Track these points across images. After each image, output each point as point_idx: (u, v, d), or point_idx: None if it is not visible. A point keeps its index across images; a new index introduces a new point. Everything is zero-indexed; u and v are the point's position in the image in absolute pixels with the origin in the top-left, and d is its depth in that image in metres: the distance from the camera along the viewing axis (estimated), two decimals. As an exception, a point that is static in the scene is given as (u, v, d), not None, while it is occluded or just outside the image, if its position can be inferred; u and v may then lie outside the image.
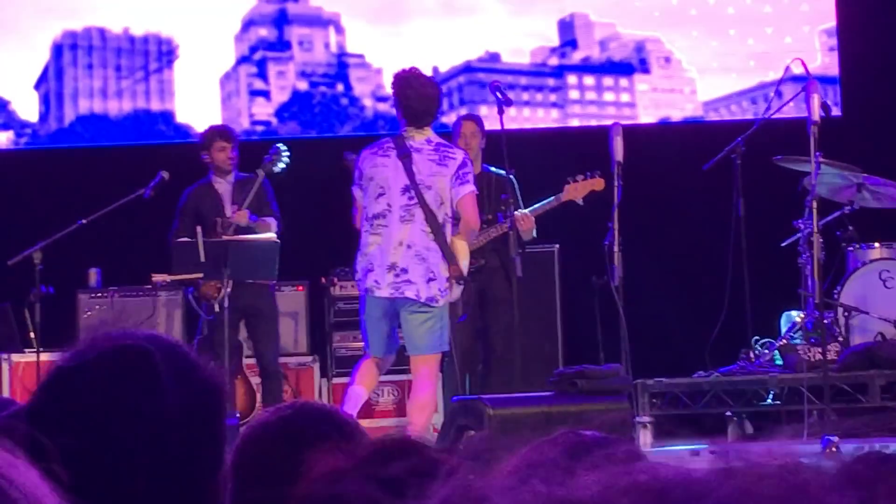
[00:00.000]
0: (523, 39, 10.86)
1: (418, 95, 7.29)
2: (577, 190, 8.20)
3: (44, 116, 10.79)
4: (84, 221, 8.88)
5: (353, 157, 7.61)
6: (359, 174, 7.51)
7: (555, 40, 10.93)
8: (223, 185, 9.04)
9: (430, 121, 7.39)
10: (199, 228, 8.57)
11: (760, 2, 10.87)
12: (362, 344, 9.81)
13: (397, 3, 10.90)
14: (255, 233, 8.80)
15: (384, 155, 7.42)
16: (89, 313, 9.72)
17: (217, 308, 8.65)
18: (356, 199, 7.52)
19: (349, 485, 1.76)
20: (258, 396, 9.21)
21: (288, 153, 8.92)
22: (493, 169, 8.52)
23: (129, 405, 1.89)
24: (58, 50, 10.78)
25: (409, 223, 7.25)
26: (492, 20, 10.86)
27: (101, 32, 10.82)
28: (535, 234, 8.36)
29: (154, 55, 10.83)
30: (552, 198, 8.37)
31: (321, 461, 1.90)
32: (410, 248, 7.23)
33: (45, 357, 8.90)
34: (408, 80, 7.42)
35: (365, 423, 9.62)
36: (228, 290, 8.57)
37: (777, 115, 8.93)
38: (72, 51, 10.81)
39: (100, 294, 9.77)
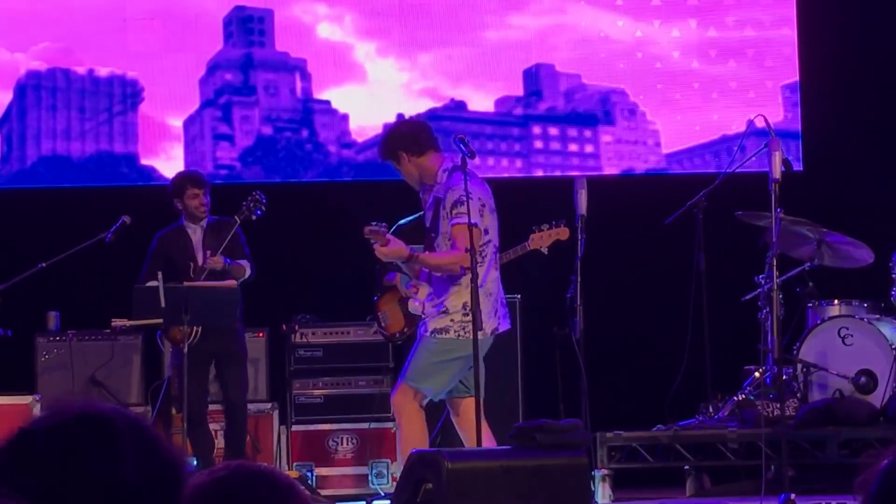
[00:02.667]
0: (489, 88, 10.90)
1: None
2: (542, 239, 8.21)
3: (5, 156, 10.74)
4: (44, 264, 8.84)
5: (380, 228, 7.59)
6: (483, 205, 7.41)
7: (520, 90, 10.97)
8: (196, 231, 9.02)
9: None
10: (160, 274, 8.55)
11: (724, 56, 10.94)
12: (324, 391, 9.82)
13: (363, 50, 10.92)
14: (230, 276, 8.81)
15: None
16: (47, 356, 9.66)
17: (179, 359, 8.64)
18: (472, 232, 7.21)
19: None
20: (216, 441, 9.16)
21: (264, 202, 8.93)
22: None
23: (87, 472, 1.90)
24: (21, 90, 10.74)
25: None
26: (457, 68, 10.90)
27: (66, 73, 10.79)
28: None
29: (118, 97, 10.81)
30: (517, 246, 8.38)
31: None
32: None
33: (1, 400, 8.83)
34: None
35: (324, 471, 9.60)
36: (197, 337, 8.57)
37: (739, 170, 8.97)
38: (35, 91, 10.78)
39: (58, 337, 9.71)
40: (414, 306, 7.74)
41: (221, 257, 8.83)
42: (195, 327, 8.62)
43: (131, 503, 1.91)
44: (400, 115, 10.91)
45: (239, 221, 8.91)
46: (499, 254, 7.65)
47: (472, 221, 7.24)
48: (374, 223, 7.54)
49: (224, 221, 9.04)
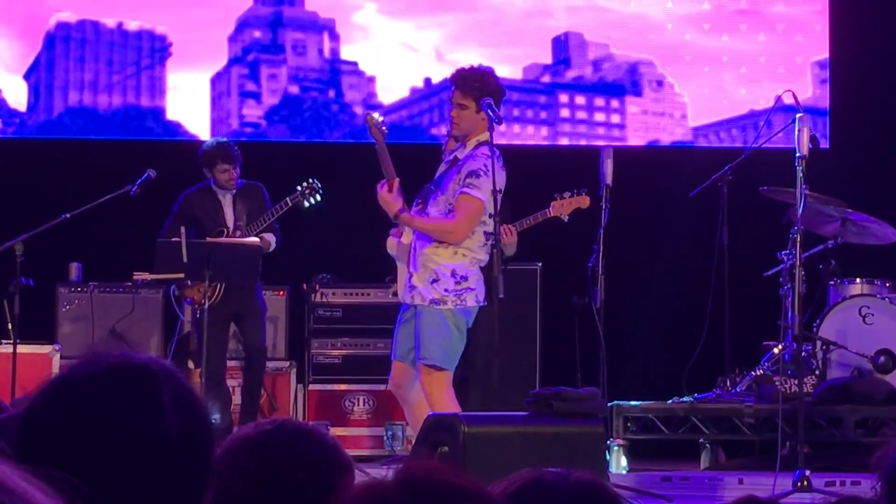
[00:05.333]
0: (517, 55, 10.86)
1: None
2: (563, 207, 8.20)
3: (32, 106, 10.76)
4: (68, 216, 8.86)
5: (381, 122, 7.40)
6: (489, 184, 7.11)
7: (548, 58, 10.94)
8: (226, 196, 9.06)
9: None
10: (182, 229, 8.58)
11: (754, 31, 10.89)
12: (342, 352, 9.84)
13: (392, 11, 10.90)
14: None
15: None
16: (68, 307, 9.69)
17: (199, 314, 8.66)
18: (476, 208, 7.17)
19: None
20: (233, 397, 9.21)
21: (320, 190, 8.93)
22: None
23: (130, 422, 1.89)
24: (50, 41, 10.75)
25: None
26: (486, 34, 10.87)
27: (95, 25, 10.80)
28: (515, 249, 8.32)
29: (147, 51, 10.81)
30: (538, 213, 8.37)
31: (349, 489, 1.90)
32: None
33: (21, 349, 8.87)
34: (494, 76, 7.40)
35: (339, 430, 9.63)
36: (218, 297, 8.61)
37: (766, 145, 8.94)
38: (64, 42, 10.79)
39: (79, 289, 9.75)
40: (391, 244, 7.55)
41: (272, 236, 8.89)
42: (217, 286, 8.65)
43: (172, 455, 1.90)
44: (427, 80, 10.90)
45: (290, 205, 8.93)
46: (487, 243, 7.44)
47: (479, 196, 7.13)
48: (381, 118, 7.39)
49: (252, 187, 9.07)
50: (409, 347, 7.34)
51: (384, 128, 7.32)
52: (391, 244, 7.58)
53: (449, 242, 7.24)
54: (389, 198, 7.28)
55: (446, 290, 7.21)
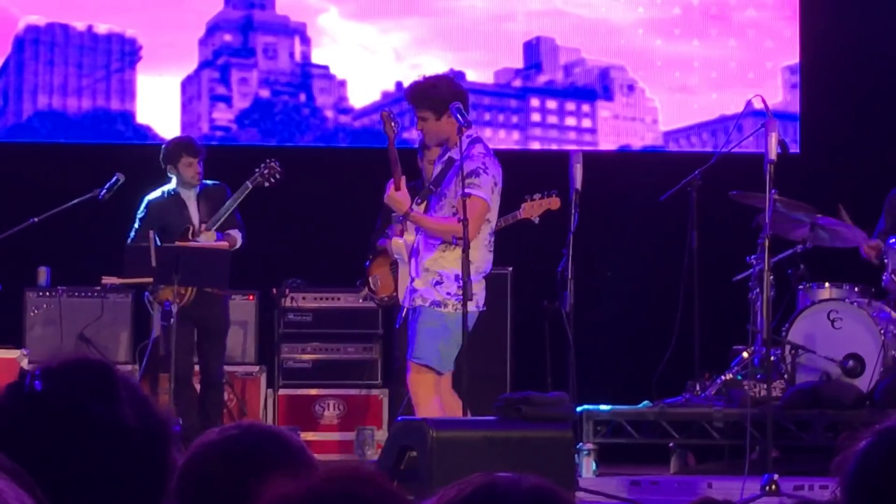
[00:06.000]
0: (489, 59, 10.86)
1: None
2: (533, 208, 8.21)
3: (1, 110, 10.72)
4: (36, 219, 8.82)
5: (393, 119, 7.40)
6: (495, 184, 7.26)
7: (520, 62, 10.95)
8: (190, 197, 8.98)
9: None
10: (151, 233, 8.54)
11: (725, 36, 10.92)
12: (312, 356, 9.82)
13: (356, 15, 10.89)
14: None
15: None
16: (36, 311, 9.66)
17: (176, 310, 8.63)
18: (480, 207, 7.20)
19: None
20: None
21: (279, 170, 8.87)
22: None
23: (88, 413, 1.91)
24: (19, 44, 10.71)
25: None
26: (457, 38, 10.87)
27: (65, 29, 10.76)
28: None
29: (116, 55, 10.78)
30: (508, 215, 8.37)
31: (271, 489, 1.91)
32: None
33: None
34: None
35: (309, 435, 9.61)
36: (190, 299, 8.57)
37: (736, 150, 8.96)
38: (33, 46, 10.75)
39: (48, 293, 9.71)
40: (398, 244, 7.55)
41: (214, 232, 8.79)
42: (190, 289, 8.61)
43: (129, 445, 1.91)
44: (398, 84, 10.89)
45: (250, 188, 8.86)
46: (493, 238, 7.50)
47: (481, 195, 7.17)
48: (392, 115, 7.41)
49: (217, 187, 9.01)
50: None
51: (394, 124, 7.34)
52: (398, 244, 7.58)
53: (448, 240, 7.24)
54: (399, 196, 7.26)
55: (448, 294, 7.23)
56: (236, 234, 8.94)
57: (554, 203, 8.09)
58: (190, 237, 8.82)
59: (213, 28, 10.85)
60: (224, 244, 8.82)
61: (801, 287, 9.18)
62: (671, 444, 8.88)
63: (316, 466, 2.42)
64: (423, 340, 7.22)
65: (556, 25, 10.93)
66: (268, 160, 8.96)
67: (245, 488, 2.28)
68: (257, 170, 8.90)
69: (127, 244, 8.68)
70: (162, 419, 2.00)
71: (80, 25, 10.76)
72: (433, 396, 7.21)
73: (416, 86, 7.46)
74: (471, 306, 7.17)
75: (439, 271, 7.27)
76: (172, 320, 8.47)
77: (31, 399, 1.92)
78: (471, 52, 10.85)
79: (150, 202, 8.98)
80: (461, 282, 7.11)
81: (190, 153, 8.91)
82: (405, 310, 7.44)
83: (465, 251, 7.04)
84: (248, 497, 2.27)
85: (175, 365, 8.52)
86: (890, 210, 9.10)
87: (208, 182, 9.02)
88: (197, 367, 9.00)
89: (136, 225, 8.92)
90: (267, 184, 8.88)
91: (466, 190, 7.11)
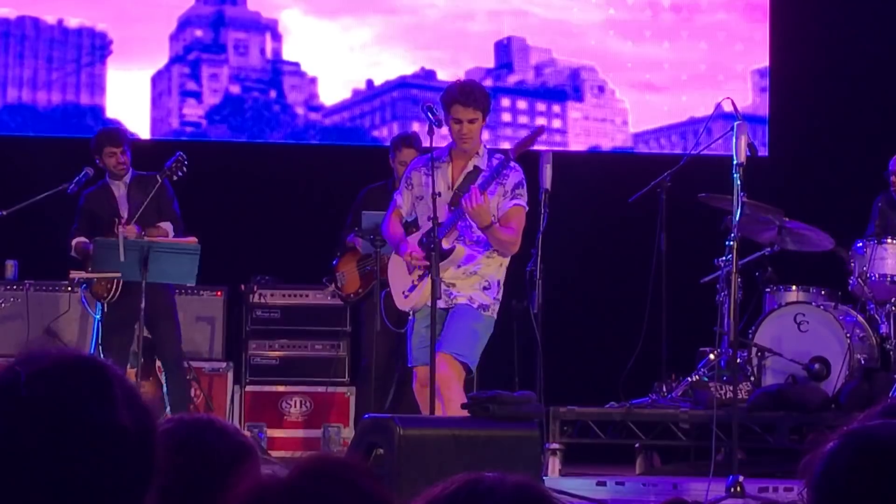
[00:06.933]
0: (460, 58, 10.87)
1: None
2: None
3: (-30, 103, 10.67)
4: (4, 213, 8.78)
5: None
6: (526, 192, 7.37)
7: (491, 62, 10.96)
8: (119, 187, 8.88)
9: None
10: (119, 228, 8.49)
11: (695, 39, 10.96)
12: (280, 353, 9.81)
13: (336, 13, 10.89)
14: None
15: None
16: (3, 305, 9.61)
17: (105, 308, 8.54)
18: (524, 218, 7.35)
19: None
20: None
21: (185, 163, 8.75)
22: None
23: (85, 417, 1.88)
24: (-11, 36, 10.67)
25: None
26: (428, 37, 10.88)
27: (35, 22, 10.72)
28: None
29: (87, 49, 10.75)
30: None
31: (245, 480, 1.92)
32: None
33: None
34: None
35: (276, 432, 9.61)
36: (117, 292, 8.46)
37: (705, 152, 8.99)
38: (3, 38, 10.71)
39: (15, 286, 9.67)
40: (461, 251, 7.35)
41: (135, 227, 8.65)
42: (115, 282, 8.48)
43: (126, 447, 1.90)
44: (369, 82, 10.90)
45: (160, 181, 8.72)
46: None
47: (527, 207, 7.31)
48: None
49: (148, 177, 8.83)
50: (426, 346, 7.25)
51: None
52: (416, 258, 7.33)
53: (510, 253, 7.39)
54: (487, 207, 7.19)
55: (494, 299, 7.38)
56: (167, 226, 8.78)
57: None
58: (115, 231, 8.64)
59: (184, 23, 10.83)
60: (192, 239, 8.77)
61: (768, 290, 9.23)
62: (637, 445, 8.91)
63: (252, 448, 2.47)
64: (467, 339, 7.29)
65: (527, 26, 10.95)
66: (179, 153, 8.81)
67: (183, 476, 2.30)
68: (168, 162, 8.75)
69: (96, 238, 8.59)
70: (152, 416, 1.99)
71: (50, 19, 10.72)
72: (462, 391, 7.24)
73: (475, 86, 7.47)
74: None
75: (487, 277, 7.35)
76: (101, 316, 8.46)
77: (28, 404, 1.88)
78: (442, 51, 10.85)
79: (85, 193, 8.89)
80: (500, 288, 7.38)
81: (112, 142, 8.80)
82: (413, 312, 7.41)
83: (434, 249, 7.07)
84: (185, 483, 2.30)
85: (111, 358, 8.41)
86: (875, 215, 9.19)
87: (143, 173, 8.88)
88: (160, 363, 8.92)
89: (77, 217, 8.86)
90: (175, 177, 8.72)
91: (516, 201, 7.27)
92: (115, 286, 8.49)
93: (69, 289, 9.58)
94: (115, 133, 8.98)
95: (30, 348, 1.98)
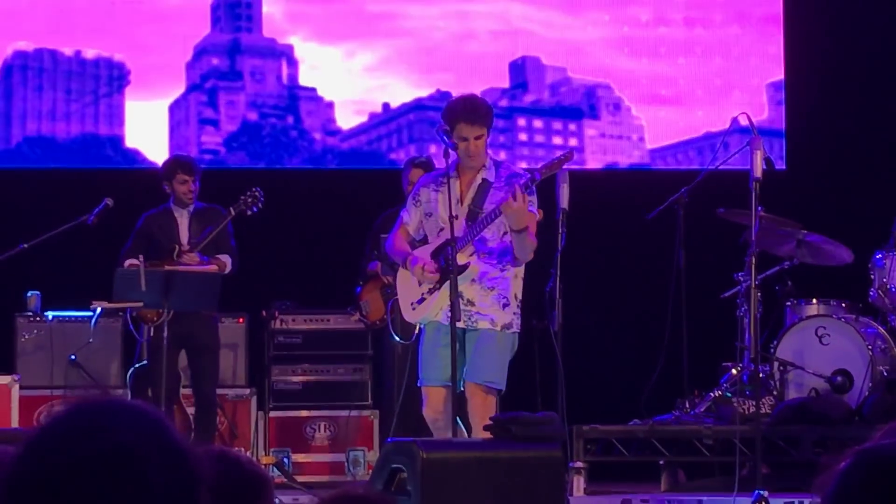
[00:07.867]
0: (475, 79, 10.90)
1: None
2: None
3: (-10, 136, 10.74)
4: (25, 245, 8.84)
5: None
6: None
7: (506, 82, 10.99)
8: (182, 215, 9.02)
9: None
10: (141, 257, 8.56)
11: (710, 54, 10.98)
12: (303, 378, 9.83)
13: (352, 36, 10.93)
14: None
15: None
16: (27, 337, 9.67)
17: (153, 333, 8.63)
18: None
19: None
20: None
21: (262, 199, 8.90)
22: None
23: (144, 478, 1.79)
24: (8, 70, 10.74)
25: None
26: (443, 59, 10.91)
27: (53, 54, 10.79)
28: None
29: (105, 79, 10.81)
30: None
31: None
32: None
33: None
34: None
35: (300, 457, 9.63)
36: (169, 316, 8.56)
37: (722, 167, 9.00)
38: (21, 71, 10.78)
39: (38, 318, 9.72)
40: (475, 268, 7.27)
41: (196, 255, 8.81)
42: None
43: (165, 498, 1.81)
44: (385, 105, 10.94)
45: (233, 214, 8.89)
46: None
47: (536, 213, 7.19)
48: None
49: (211, 209, 9.05)
50: (445, 366, 7.13)
51: None
52: (428, 272, 7.25)
53: (527, 260, 7.29)
54: (529, 210, 7.10)
55: (514, 314, 7.31)
56: (226, 259, 8.95)
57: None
58: (175, 257, 8.83)
59: (201, 52, 10.89)
60: (212, 267, 8.83)
61: (788, 303, 9.22)
62: (661, 462, 8.90)
63: (267, 479, 2.45)
64: (497, 364, 7.23)
65: (541, 45, 10.98)
66: (253, 189, 8.98)
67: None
68: (241, 197, 8.94)
69: (118, 267, 8.67)
70: (194, 468, 1.86)
71: (67, 51, 10.79)
72: None
73: (478, 101, 7.45)
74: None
75: (504, 293, 7.28)
76: (147, 338, 8.53)
77: (85, 461, 1.79)
78: (457, 72, 10.88)
79: (146, 215, 9.05)
80: (518, 300, 7.29)
81: (185, 171, 8.97)
82: (425, 327, 7.35)
83: (452, 270, 7.07)
84: None
85: (158, 383, 8.52)
86: None
87: (207, 205, 9.07)
88: (188, 390, 9.01)
89: (132, 236, 8.98)
90: (249, 211, 8.91)
91: (531, 209, 7.14)
92: (165, 312, 8.59)
93: (92, 319, 9.62)
94: (189, 162, 9.12)
95: (69, 405, 1.87)
